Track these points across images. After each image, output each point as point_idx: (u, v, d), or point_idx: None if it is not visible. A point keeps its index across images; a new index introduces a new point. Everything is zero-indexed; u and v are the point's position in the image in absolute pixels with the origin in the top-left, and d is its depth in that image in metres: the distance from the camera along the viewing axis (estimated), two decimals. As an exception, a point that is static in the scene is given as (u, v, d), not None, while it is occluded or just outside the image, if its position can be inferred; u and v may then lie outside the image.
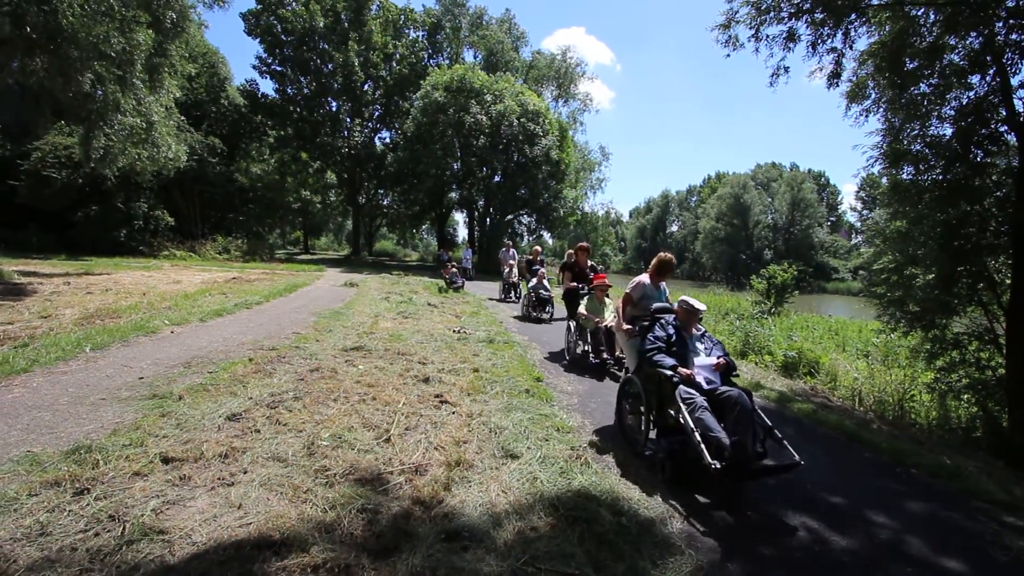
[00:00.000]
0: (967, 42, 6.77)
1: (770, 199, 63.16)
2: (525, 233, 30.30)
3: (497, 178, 27.04)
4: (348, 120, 32.23)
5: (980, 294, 6.77)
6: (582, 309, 6.92)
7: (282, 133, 30.96)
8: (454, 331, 8.09)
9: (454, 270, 15.71)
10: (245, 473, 3.07)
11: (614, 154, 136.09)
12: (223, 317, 8.33)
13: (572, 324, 7.11)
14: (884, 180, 7.82)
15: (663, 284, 4.89)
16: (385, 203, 38.14)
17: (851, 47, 7.28)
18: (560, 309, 10.72)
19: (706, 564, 2.56)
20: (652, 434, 3.81)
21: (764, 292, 17.55)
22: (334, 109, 32.15)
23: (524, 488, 3.14)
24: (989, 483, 3.93)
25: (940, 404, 7.31)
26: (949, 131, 6.81)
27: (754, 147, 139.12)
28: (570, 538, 2.62)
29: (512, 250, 15.40)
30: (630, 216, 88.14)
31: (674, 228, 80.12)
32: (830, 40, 7.17)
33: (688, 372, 3.65)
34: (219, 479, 2.98)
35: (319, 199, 41.26)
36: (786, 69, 7.61)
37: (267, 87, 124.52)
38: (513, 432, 3.99)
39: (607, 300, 7.00)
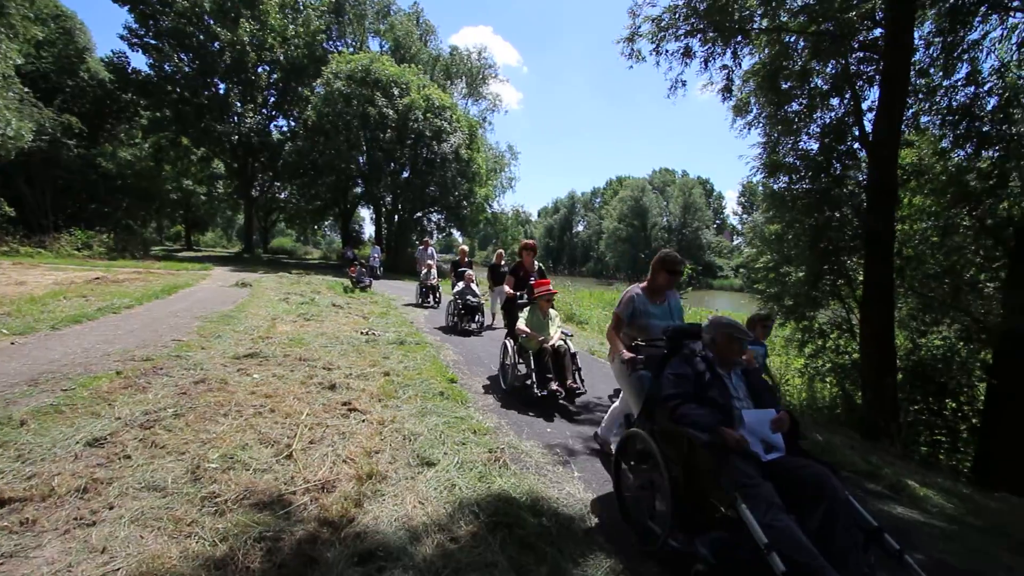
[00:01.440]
0: (829, 69, 7.73)
1: (665, 202, 68.23)
2: (435, 231, 29.84)
3: (405, 174, 26.31)
4: (238, 105, 29.42)
5: (839, 289, 7.77)
6: (521, 324, 5.42)
7: (158, 115, 27.39)
8: (362, 333, 7.67)
9: (361, 269, 14.99)
10: (111, 509, 2.61)
11: (523, 154, 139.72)
12: (82, 324, 7.17)
13: (509, 343, 5.61)
14: (761, 188, 8.71)
15: (673, 295, 3.63)
16: (282, 196, 35.47)
17: (739, 65, 7.98)
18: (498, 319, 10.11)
19: (625, 561, 2.61)
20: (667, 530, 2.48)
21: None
22: (222, 92, 29.16)
23: (442, 497, 3.00)
24: (853, 455, 4.49)
25: (809, 387, 8.30)
26: (815, 146, 7.75)
27: (652, 153, 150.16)
28: (492, 546, 2.54)
29: (431, 248, 14.07)
30: (538, 216, 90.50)
31: (580, 228, 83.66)
32: (721, 58, 7.81)
33: (737, 436, 2.30)
34: (76, 519, 2.50)
35: (204, 190, 37.35)
36: (683, 83, 8.17)
37: (139, 61, 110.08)
38: (429, 438, 3.83)
39: (552, 312, 5.63)
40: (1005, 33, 6.91)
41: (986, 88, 7.07)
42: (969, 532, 3.31)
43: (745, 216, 61.58)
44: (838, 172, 7.47)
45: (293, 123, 31.12)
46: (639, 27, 8.08)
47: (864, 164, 7.43)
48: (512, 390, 5.39)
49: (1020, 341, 5.50)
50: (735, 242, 67.12)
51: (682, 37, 8.05)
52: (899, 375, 7.17)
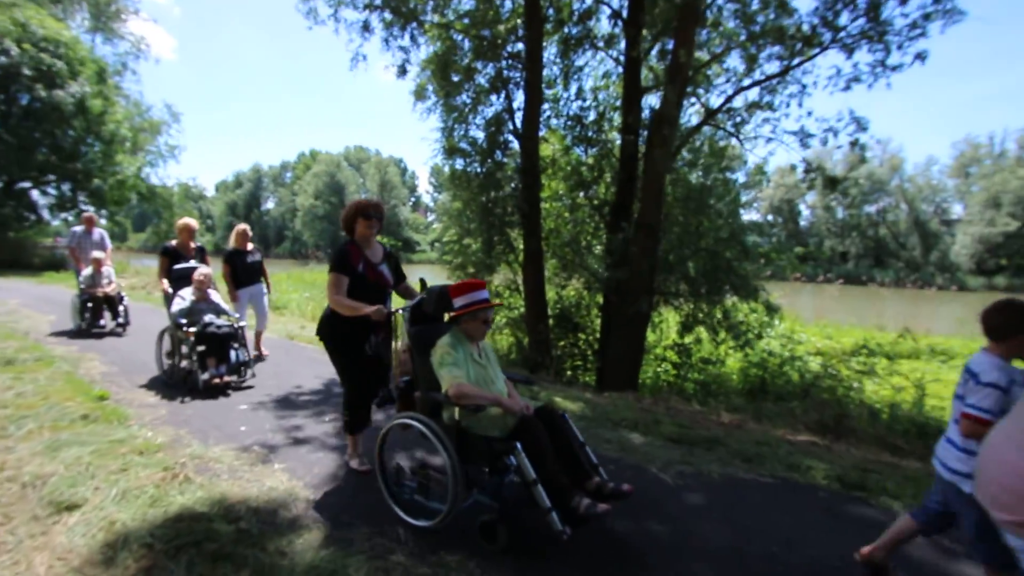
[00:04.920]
0: (489, 70, 9.05)
1: (362, 180, 67.84)
2: (55, 208, 21.81)
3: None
4: None
5: (507, 256, 9.44)
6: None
7: None
8: (-79, 359, 5.18)
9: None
10: None
11: (187, 116, 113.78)
12: None
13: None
14: (447, 169, 9.70)
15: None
16: None
17: (417, 48, 8.52)
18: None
19: (334, 532, 2.65)
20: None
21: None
22: None
23: (96, 541, 2.41)
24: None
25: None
26: (482, 135, 9.06)
27: (346, 129, 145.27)
28: (176, 571, 2.21)
29: (98, 231, 8.11)
30: (217, 191, 77.15)
31: (270, 205, 75.23)
32: (399, 39, 8.17)
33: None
34: None
35: None
36: (364, 57, 8.24)
37: None
38: (67, 476, 2.96)
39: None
40: (597, 63, 9.48)
41: (589, 103, 9.59)
42: (589, 421, 4.65)
43: (436, 195, 67.02)
44: (500, 158, 8.98)
45: None
46: (317, -15, 7.71)
47: (518, 153, 9.11)
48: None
49: (614, 287, 7.87)
50: (430, 219, 72.63)
51: (361, 10, 8.09)
52: (550, 321, 9.26)
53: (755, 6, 7.06)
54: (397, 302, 3.37)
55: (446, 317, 3.09)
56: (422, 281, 3.25)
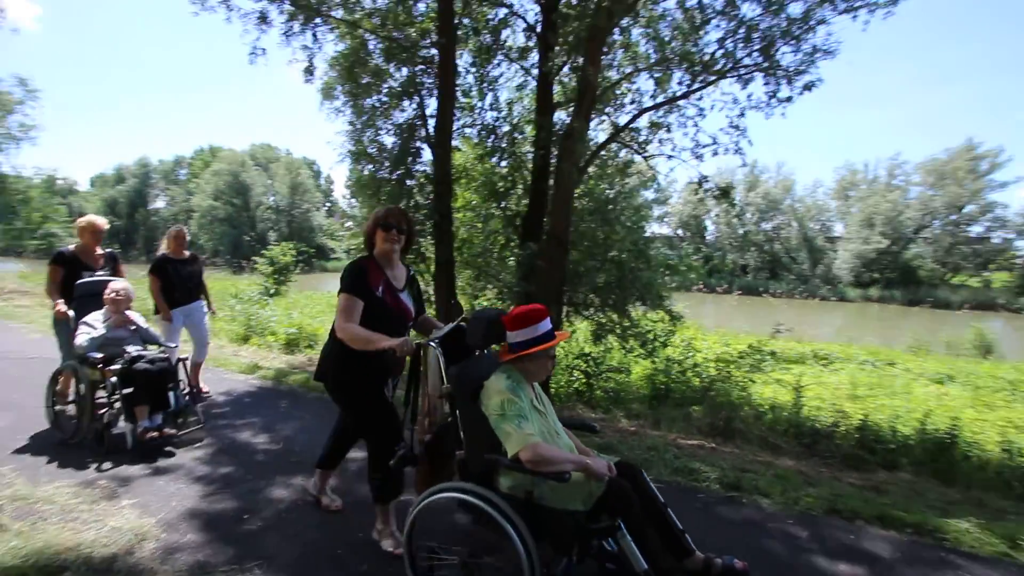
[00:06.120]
0: (401, 74, 8.81)
1: (271, 181, 63.69)
2: None
3: None
4: None
5: (418, 266, 9.19)
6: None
7: None
8: None
9: None
10: None
11: (51, 95, 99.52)
12: None
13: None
14: (349, 173, 9.29)
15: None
16: None
17: (320, 48, 8.07)
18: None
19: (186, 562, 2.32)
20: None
21: (269, 274, 17.72)
22: None
23: None
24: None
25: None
26: (394, 140, 8.76)
27: (251, 126, 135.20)
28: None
29: None
30: (92, 185, 68.83)
31: (160, 204, 68.26)
32: (301, 36, 7.71)
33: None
34: None
35: None
36: (263, 51, 7.68)
37: None
38: None
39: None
40: (512, 74, 9.56)
41: (503, 115, 9.64)
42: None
43: (354, 200, 64.75)
44: (412, 165, 8.73)
45: None
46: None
47: (431, 162, 8.93)
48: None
49: (524, 298, 7.90)
50: (347, 224, 69.93)
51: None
52: (463, 331, 9.09)
53: (665, 34, 7.48)
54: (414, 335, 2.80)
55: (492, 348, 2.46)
56: (455, 304, 2.85)
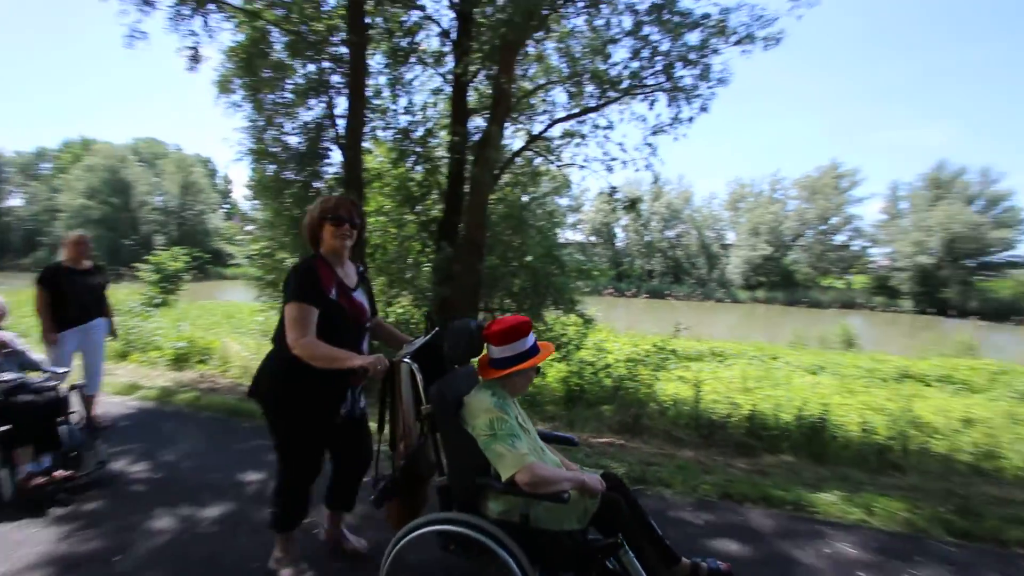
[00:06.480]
0: (308, 70, 8.37)
1: (158, 179, 57.56)
2: None
3: None
4: None
5: (328, 272, 8.77)
6: None
7: None
8: None
9: None
10: None
11: None
12: None
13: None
14: (251, 174, 8.66)
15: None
16: None
17: (213, 37, 7.46)
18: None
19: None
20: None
21: (154, 282, 15.98)
22: None
23: None
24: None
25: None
26: (299, 139, 8.29)
27: (134, 118, 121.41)
28: None
29: None
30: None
31: (16, 202, 59.17)
32: (189, 22, 7.08)
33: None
34: None
35: None
36: (145, 34, 6.95)
37: None
38: None
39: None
40: (427, 78, 9.44)
41: (418, 117, 9.49)
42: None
43: (255, 201, 60.45)
44: (320, 166, 8.31)
45: None
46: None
47: (341, 163, 8.56)
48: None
49: (440, 303, 7.80)
50: (246, 228, 65.02)
51: (139, -22, 6.78)
52: (377, 340, 8.79)
53: (576, 50, 7.80)
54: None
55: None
56: (428, 315, 2.57)
